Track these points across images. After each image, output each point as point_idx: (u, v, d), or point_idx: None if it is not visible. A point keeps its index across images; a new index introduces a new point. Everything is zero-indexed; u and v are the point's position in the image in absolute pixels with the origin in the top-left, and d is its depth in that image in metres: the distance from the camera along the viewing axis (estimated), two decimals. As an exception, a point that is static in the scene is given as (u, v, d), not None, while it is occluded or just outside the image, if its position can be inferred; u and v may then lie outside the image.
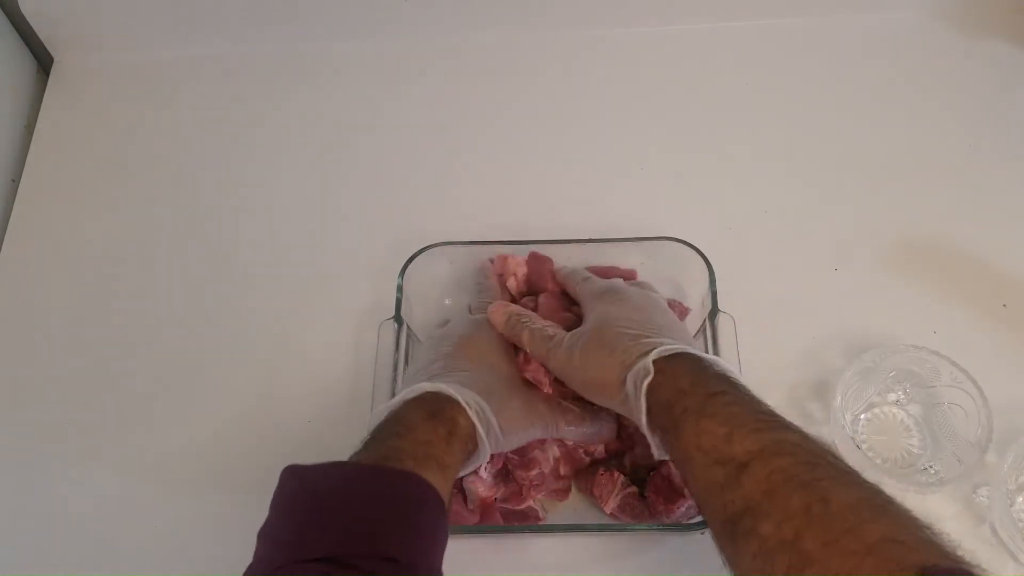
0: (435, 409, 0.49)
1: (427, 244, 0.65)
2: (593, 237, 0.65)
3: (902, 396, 0.63)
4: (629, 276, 0.65)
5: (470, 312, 0.64)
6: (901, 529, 0.38)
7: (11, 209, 0.76)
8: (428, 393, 0.50)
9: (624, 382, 0.50)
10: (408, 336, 0.63)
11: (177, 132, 0.81)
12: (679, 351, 0.50)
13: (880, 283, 0.69)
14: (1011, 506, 0.58)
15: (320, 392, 0.65)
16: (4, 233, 0.75)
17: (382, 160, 0.78)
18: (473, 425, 0.50)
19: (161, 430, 0.65)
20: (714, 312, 0.61)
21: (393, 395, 0.59)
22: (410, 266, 0.64)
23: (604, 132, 0.78)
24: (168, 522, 0.61)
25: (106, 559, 0.60)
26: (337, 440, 0.62)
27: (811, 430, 0.60)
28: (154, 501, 0.62)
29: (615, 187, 0.75)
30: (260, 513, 0.60)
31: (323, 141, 0.79)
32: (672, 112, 0.79)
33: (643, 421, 0.49)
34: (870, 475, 0.57)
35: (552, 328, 0.57)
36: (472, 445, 0.50)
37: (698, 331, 0.64)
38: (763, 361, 0.64)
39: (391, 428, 0.49)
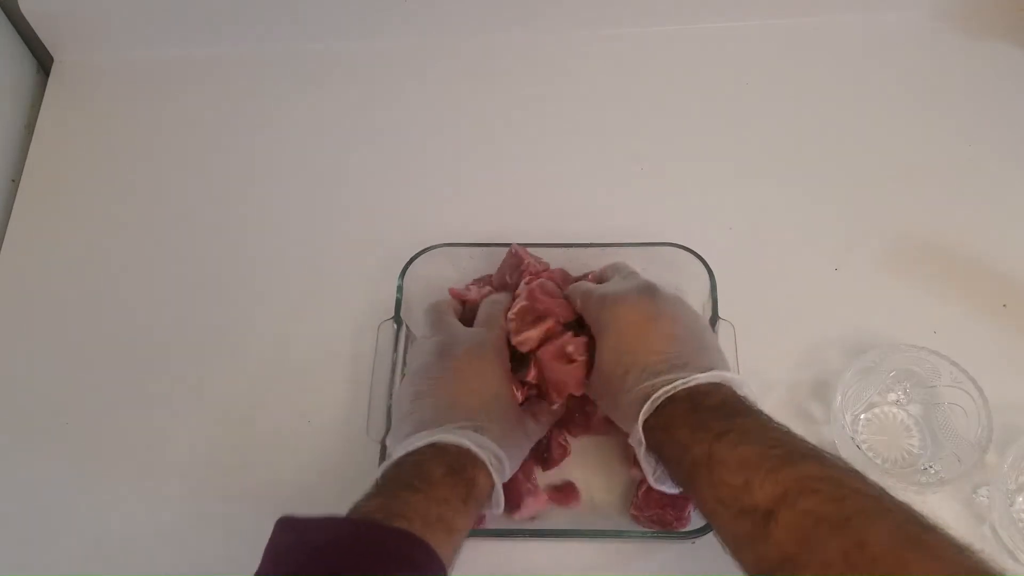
0: (457, 465, 0.47)
1: (427, 245, 0.65)
2: (593, 240, 0.65)
3: (902, 396, 0.63)
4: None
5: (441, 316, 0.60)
6: (942, 561, 0.37)
7: (11, 209, 0.76)
8: (450, 445, 0.48)
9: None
10: (407, 337, 0.63)
11: (177, 132, 0.81)
12: (670, 394, 0.47)
13: (880, 283, 0.69)
14: (1011, 506, 0.58)
15: (320, 392, 0.65)
16: (4, 233, 0.75)
17: (383, 161, 0.78)
18: (492, 484, 0.49)
19: (161, 430, 0.65)
20: (714, 319, 0.61)
21: (390, 398, 0.60)
22: (410, 267, 0.64)
23: (604, 133, 0.78)
24: (167, 523, 0.61)
25: (105, 559, 0.60)
26: (336, 441, 0.63)
27: (811, 430, 0.62)
28: (153, 501, 0.62)
29: (615, 188, 0.74)
30: (259, 512, 0.60)
31: (323, 141, 0.79)
32: (672, 113, 0.79)
33: (650, 480, 0.50)
34: (870, 476, 0.57)
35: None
36: (486, 503, 0.50)
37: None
38: (763, 361, 0.64)
39: (407, 478, 0.46)
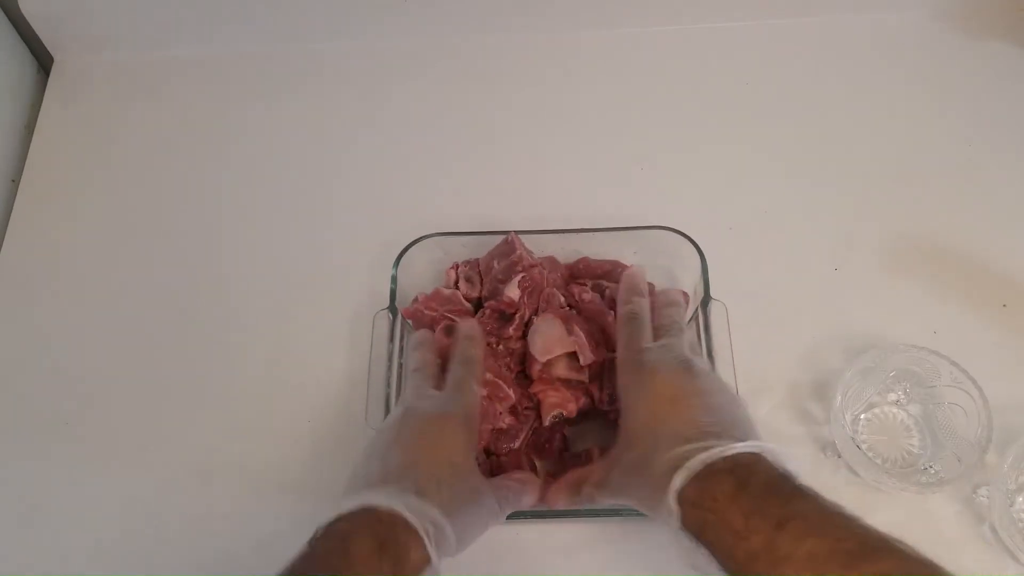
0: (388, 538, 0.44)
1: (421, 235, 0.65)
2: (585, 227, 0.65)
3: (902, 396, 0.63)
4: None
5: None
6: None
7: (11, 209, 0.76)
8: (383, 512, 0.44)
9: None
10: (403, 326, 0.64)
11: (177, 131, 0.81)
12: (708, 462, 0.43)
13: (880, 283, 0.69)
14: (1011, 506, 0.57)
15: (316, 383, 0.65)
16: (4, 233, 0.75)
17: (377, 153, 0.78)
18: (428, 559, 0.44)
19: (161, 428, 0.65)
20: (706, 300, 0.61)
21: (389, 385, 0.60)
22: (404, 257, 0.64)
23: (604, 132, 0.78)
24: (167, 521, 0.61)
25: (105, 558, 0.60)
26: (335, 429, 0.63)
27: (811, 430, 0.62)
28: (153, 499, 0.62)
29: (614, 188, 0.74)
30: (261, 508, 0.61)
31: (319, 137, 0.79)
32: (672, 113, 0.79)
33: (688, 567, 0.45)
34: (870, 475, 0.58)
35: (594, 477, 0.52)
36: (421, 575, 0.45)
37: (691, 319, 0.64)
38: (763, 361, 0.64)
39: (328, 558, 0.43)
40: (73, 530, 0.61)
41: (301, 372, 0.66)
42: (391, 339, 0.62)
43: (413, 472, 0.48)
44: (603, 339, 0.61)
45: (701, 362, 0.53)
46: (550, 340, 0.60)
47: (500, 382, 0.59)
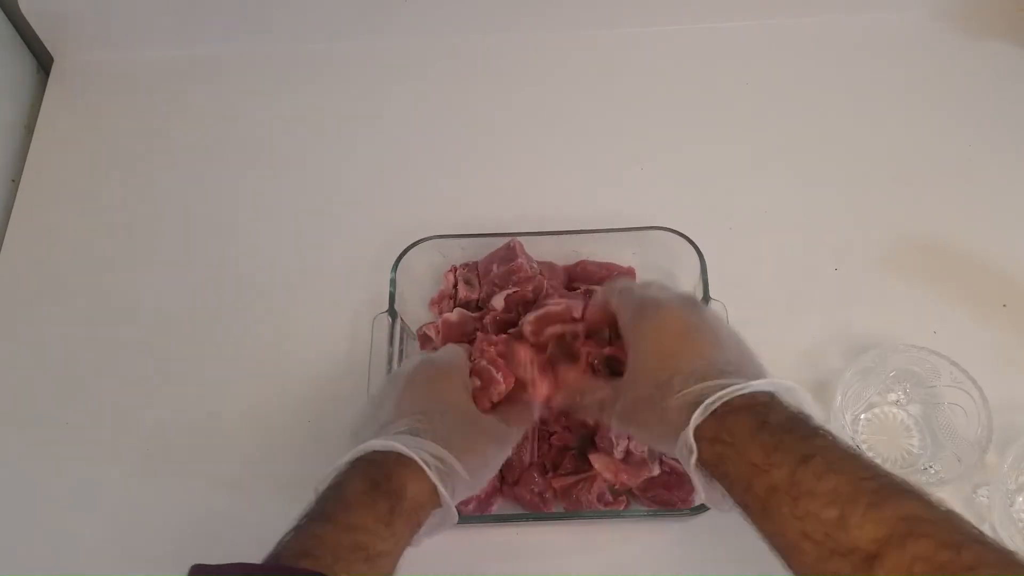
0: (379, 477, 0.43)
1: (419, 238, 0.65)
2: (582, 228, 0.65)
3: (902, 396, 0.63)
4: (627, 275, 0.66)
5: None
6: None
7: (11, 209, 0.76)
8: (377, 453, 0.44)
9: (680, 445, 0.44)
10: (402, 329, 0.64)
11: (176, 131, 0.81)
12: (728, 399, 0.42)
13: (880, 283, 0.69)
14: (1011, 506, 0.58)
15: (316, 387, 0.65)
16: (4, 233, 0.75)
17: (376, 154, 0.78)
18: (432, 488, 0.44)
19: (161, 428, 0.65)
20: (706, 300, 0.62)
21: None
22: (403, 260, 0.64)
23: (604, 132, 0.78)
24: (167, 521, 0.61)
25: (105, 558, 0.60)
26: (335, 433, 0.63)
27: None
28: (153, 500, 0.62)
29: (614, 188, 0.75)
30: (262, 509, 0.60)
31: (318, 138, 0.79)
32: (672, 113, 0.79)
33: (704, 499, 0.45)
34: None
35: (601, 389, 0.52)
36: (428, 511, 0.45)
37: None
38: (763, 361, 0.64)
39: (322, 505, 0.43)
40: (73, 530, 0.61)
41: (302, 375, 0.66)
42: (391, 342, 0.62)
43: (406, 416, 0.48)
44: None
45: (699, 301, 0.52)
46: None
47: (491, 368, 0.56)
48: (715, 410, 0.42)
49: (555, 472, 0.59)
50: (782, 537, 0.39)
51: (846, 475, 0.38)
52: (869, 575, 0.35)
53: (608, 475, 0.57)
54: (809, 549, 0.37)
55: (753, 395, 0.43)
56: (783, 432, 0.41)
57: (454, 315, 0.64)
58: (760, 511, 0.40)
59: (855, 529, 0.36)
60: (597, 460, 0.57)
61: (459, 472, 0.45)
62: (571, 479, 0.58)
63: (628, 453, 0.58)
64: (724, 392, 0.43)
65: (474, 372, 0.55)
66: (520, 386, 0.55)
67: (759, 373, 0.46)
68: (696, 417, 0.42)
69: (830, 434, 0.41)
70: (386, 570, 0.42)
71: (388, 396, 0.51)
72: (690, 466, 0.43)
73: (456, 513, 0.46)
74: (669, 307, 0.50)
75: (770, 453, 0.40)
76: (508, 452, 0.52)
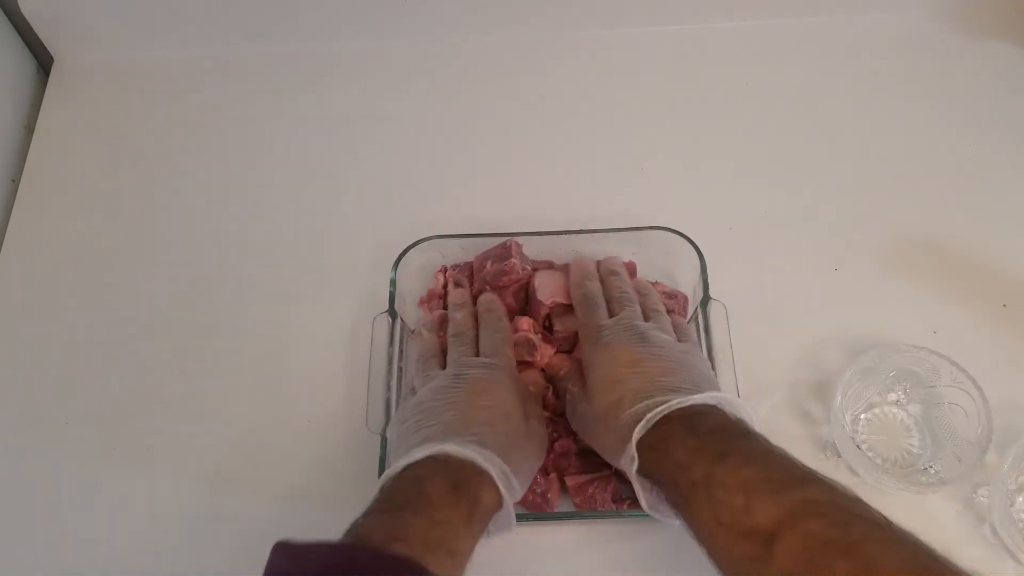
0: (459, 480, 0.46)
1: (419, 238, 0.65)
2: (582, 228, 0.66)
3: (902, 396, 0.63)
4: (629, 269, 0.65)
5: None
6: None
7: (11, 209, 0.76)
8: (452, 458, 0.46)
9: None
10: (402, 329, 0.64)
11: (176, 131, 0.81)
12: (665, 413, 0.47)
13: (880, 283, 0.69)
14: (1011, 506, 0.57)
15: (318, 386, 0.65)
16: (4, 233, 0.75)
17: (376, 156, 0.78)
18: (499, 498, 0.47)
19: (161, 429, 0.65)
20: (706, 300, 0.62)
21: (389, 388, 0.60)
22: (403, 260, 0.64)
23: (604, 132, 0.78)
24: (167, 522, 0.61)
25: (105, 558, 0.60)
26: (336, 434, 0.63)
27: (811, 430, 0.62)
28: (153, 500, 0.62)
29: (613, 188, 0.75)
30: (262, 510, 0.60)
31: (318, 138, 0.79)
32: (672, 113, 0.79)
33: (644, 506, 0.49)
34: (870, 475, 0.58)
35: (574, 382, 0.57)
36: (491, 518, 0.48)
37: (690, 319, 0.64)
38: (763, 361, 0.64)
39: (406, 495, 0.45)
40: (72, 530, 0.61)
41: (301, 376, 0.66)
42: (391, 343, 0.62)
43: (473, 426, 0.50)
44: None
45: (657, 331, 0.56)
46: (556, 288, 0.63)
47: (533, 338, 0.62)
48: (656, 422, 0.47)
49: (557, 474, 0.59)
50: (701, 527, 0.43)
51: (758, 468, 0.43)
52: (769, 553, 0.39)
53: None
54: (720, 534, 0.42)
55: (692, 407, 0.47)
56: (708, 435, 0.45)
57: (435, 317, 0.64)
58: (683, 505, 0.44)
59: (758, 513, 0.40)
60: None
61: (515, 487, 0.49)
62: (584, 478, 0.58)
63: None
64: (664, 407, 0.47)
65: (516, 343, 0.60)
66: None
67: (704, 390, 0.50)
68: (639, 430, 0.47)
69: (759, 438, 0.45)
70: (462, 568, 0.45)
71: (452, 397, 0.53)
72: (632, 474, 0.47)
73: (515, 519, 0.49)
74: (621, 344, 0.54)
75: (693, 453, 0.44)
76: (542, 458, 0.56)
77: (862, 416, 0.63)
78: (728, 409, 0.48)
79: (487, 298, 0.62)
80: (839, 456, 0.60)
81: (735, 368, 0.59)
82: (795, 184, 0.74)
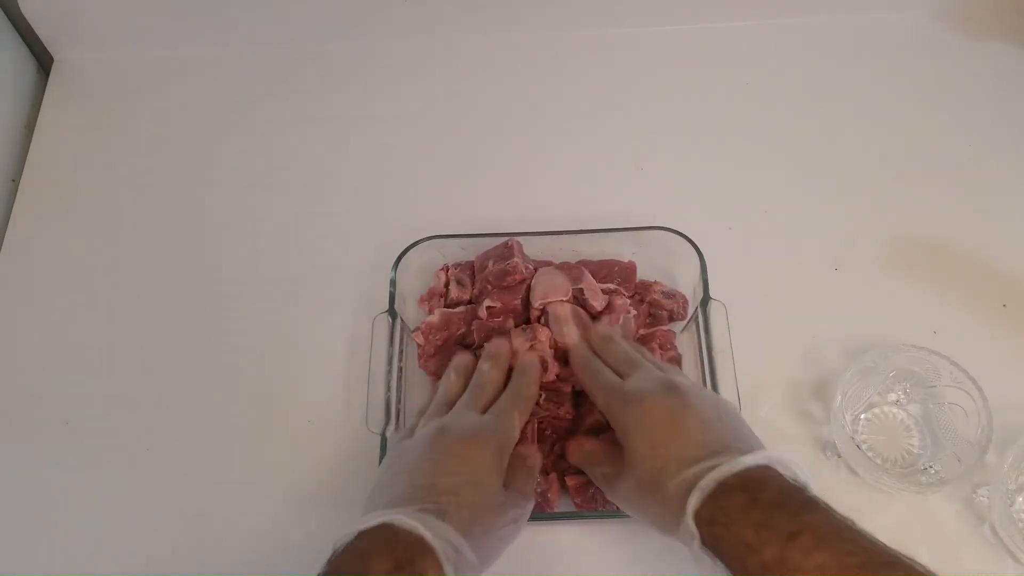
0: (403, 559, 0.43)
1: (420, 238, 0.65)
2: (582, 228, 0.65)
3: (902, 396, 0.63)
4: (629, 269, 0.66)
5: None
6: None
7: (11, 209, 0.76)
8: (401, 531, 0.44)
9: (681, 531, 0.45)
10: (402, 329, 0.64)
11: (176, 131, 0.81)
12: (720, 480, 0.44)
13: (880, 283, 0.69)
14: (1011, 506, 0.57)
15: (318, 387, 0.65)
16: (4, 233, 0.75)
17: (376, 156, 0.78)
18: None
19: (159, 429, 0.65)
20: (706, 300, 0.62)
21: (389, 388, 0.60)
22: (403, 259, 0.64)
23: (603, 132, 0.78)
24: (167, 522, 0.61)
25: (105, 558, 0.60)
26: (336, 434, 0.63)
27: (811, 430, 0.62)
28: (153, 500, 0.62)
29: (613, 188, 0.75)
30: (262, 511, 0.61)
31: (318, 138, 0.79)
32: (672, 113, 0.79)
33: None
34: (870, 475, 0.58)
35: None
36: None
37: (690, 319, 0.64)
38: (763, 361, 0.64)
39: (349, 573, 0.43)
40: (72, 530, 0.61)
41: (301, 377, 0.66)
42: (391, 343, 0.62)
43: (436, 492, 0.48)
44: None
45: (681, 377, 0.53)
46: (548, 288, 0.62)
47: (544, 357, 0.60)
48: (711, 492, 0.44)
49: (557, 474, 0.59)
50: None
51: (832, 551, 0.40)
52: None
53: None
54: None
55: (745, 472, 0.44)
56: (774, 508, 0.42)
57: (436, 317, 0.64)
58: None
59: None
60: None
61: (471, 562, 0.46)
62: (585, 478, 0.58)
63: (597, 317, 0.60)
64: (716, 473, 0.44)
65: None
66: (520, 456, 0.55)
67: (750, 446, 0.48)
68: (693, 503, 0.44)
69: (821, 505, 0.43)
70: None
71: (424, 459, 0.50)
72: (694, 551, 0.44)
73: None
74: (652, 399, 0.51)
75: (760, 531, 0.41)
76: (520, 532, 0.52)
77: (862, 416, 0.63)
78: (782, 470, 0.45)
79: (529, 359, 0.59)
80: (839, 456, 0.60)
81: (735, 368, 0.58)
82: (795, 184, 0.74)
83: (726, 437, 0.48)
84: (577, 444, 0.58)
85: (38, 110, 0.82)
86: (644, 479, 0.48)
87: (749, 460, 0.44)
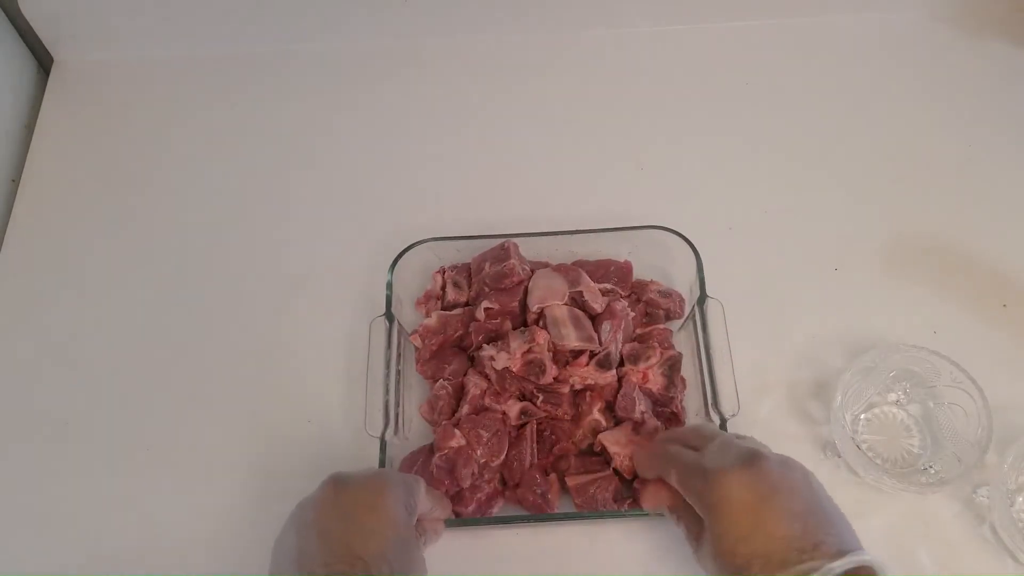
0: None
1: (416, 240, 0.65)
2: (579, 228, 0.65)
3: (902, 396, 0.63)
4: (625, 269, 0.66)
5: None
6: None
7: (11, 209, 0.76)
8: None
9: None
10: (399, 332, 0.64)
11: (176, 131, 0.81)
12: None
13: (880, 283, 0.69)
14: (1011, 506, 0.57)
15: (317, 390, 0.65)
16: (4, 233, 0.75)
17: (374, 157, 0.78)
18: None
19: (159, 429, 0.65)
20: (702, 298, 0.62)
21: (387, 391, 0.60)
22: (399, 262, 0.64)
23: (603, 132, 0.78)
24: (167, 522, 0.61)
25: (105, 559, 0.60)
26: (335, 437, 0.63)
27: (811, 430, 0.62)
28: (153, 501, 0.62)
29: (613, 188, 0.75)
30: (261, 512, 0.61)
31: (316, 139, 0.79)
32: (672, 113, 0.79)
33: None
34: (870, 475, 0.58)
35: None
36: None
37: (687, 318, 0.64)
38: (763, 361, 0.64)
39: None
40: (72, 530, 0.61)
41: (300, 380, 0.66)
42: (388, 346, 0.61)
43: (363, 560, 0.46)
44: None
45: (760, 447, 0.50)
46: (546, 292, 0.61)
47: (543, 359, 0.59)
48: None
49: (557, 474, 0.59)
50: None
51: None
52: None
53: (618, 448, 0.58)
54: None
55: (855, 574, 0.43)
56: None
57: (433, 320, 0.64)
58: None
59: None
60: (608, 437, 0.58)
61: None
62: (585, 478, 0.58)
63: (641, 423, 0.59)
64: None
65: (525, 363, 0.59)
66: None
67: (841, 543, 0.45)
68: None
69: None
70: None
71: (312, 537, 0.48)
72: None
73: None
74: (732, 477, 0.47)
75: None
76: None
77: (862, 416, 0.63)
78: (875, 569, 0.44)
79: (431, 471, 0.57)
80: (839, 456, 0.60)
81: (735, 368, 0.58)
82: (795, 184, 0.74)
83: (814, 531, 0.45)
84: (653, 491, 0.54)
85: (38, 110, 0.82)
86: (726, 565, 0.46)
87: (839, 567, 0.43)
